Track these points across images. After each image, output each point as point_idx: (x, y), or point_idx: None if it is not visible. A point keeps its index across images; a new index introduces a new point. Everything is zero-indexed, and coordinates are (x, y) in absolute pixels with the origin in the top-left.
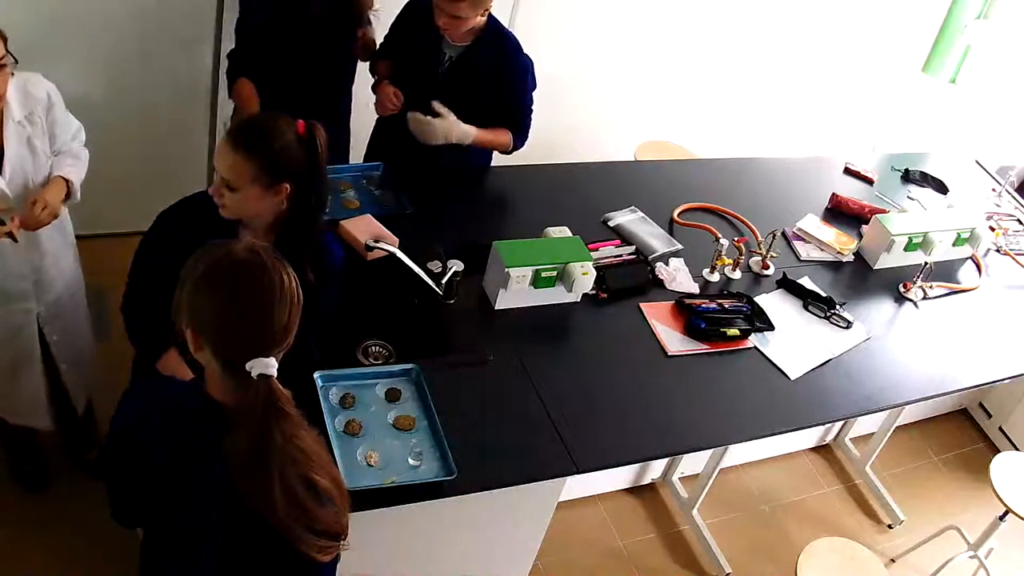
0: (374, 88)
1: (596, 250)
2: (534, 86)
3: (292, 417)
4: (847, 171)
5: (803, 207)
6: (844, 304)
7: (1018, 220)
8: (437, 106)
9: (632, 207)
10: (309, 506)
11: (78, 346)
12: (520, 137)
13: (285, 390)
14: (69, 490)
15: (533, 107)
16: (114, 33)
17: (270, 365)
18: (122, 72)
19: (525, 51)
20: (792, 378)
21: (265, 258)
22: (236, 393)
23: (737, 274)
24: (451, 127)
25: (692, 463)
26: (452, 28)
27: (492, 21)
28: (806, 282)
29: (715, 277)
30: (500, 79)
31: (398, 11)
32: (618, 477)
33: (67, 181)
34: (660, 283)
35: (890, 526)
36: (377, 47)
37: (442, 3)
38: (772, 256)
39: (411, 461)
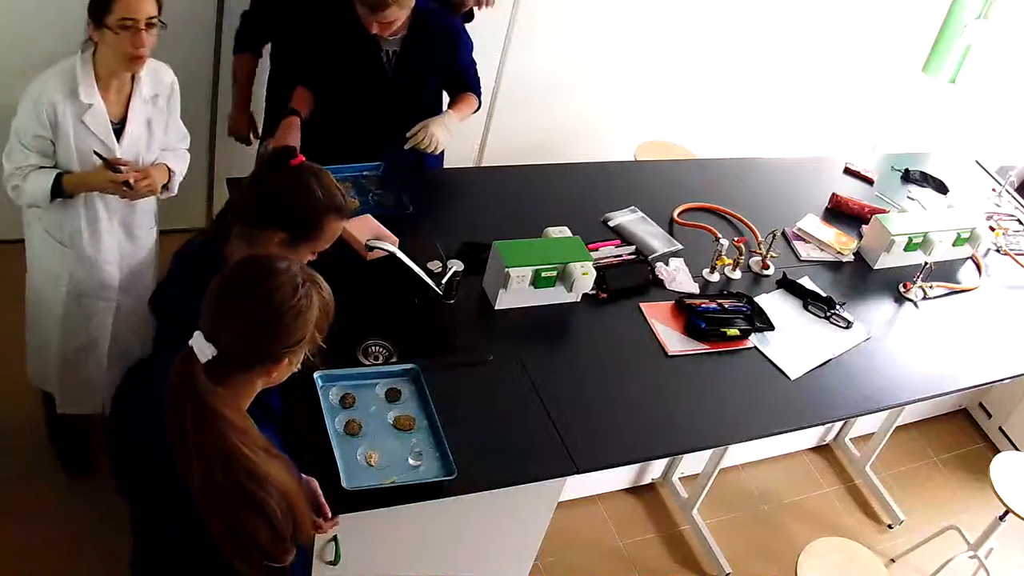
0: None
1: (596, 250)
2: (471, 43)
3: (215, 412)
4: (847, 171)
5: (803, 207)
6: (844, 304)
7: (1018, 220)
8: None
9: (632, 207)
10: (236, 512)
11: (136, 348)
12: (479, 93)
13: (218, 387)
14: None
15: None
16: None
17: (203, 347)
18: None
19: (461, 24)
20: (792, 378)
21: (287, 272)
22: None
23: (737, 274)
24: (443, 121)
25: (692, 463)
26: (387, 30)
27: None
28: (806, 282)
29: (715, 277)
30: (443, 53)
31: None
32: (618, 477)
33: (171, 171)
34: (660, 283)
35: (890, 526)
36: None
37: (370, 18)
38: (772, 256)
39: (411, 461)
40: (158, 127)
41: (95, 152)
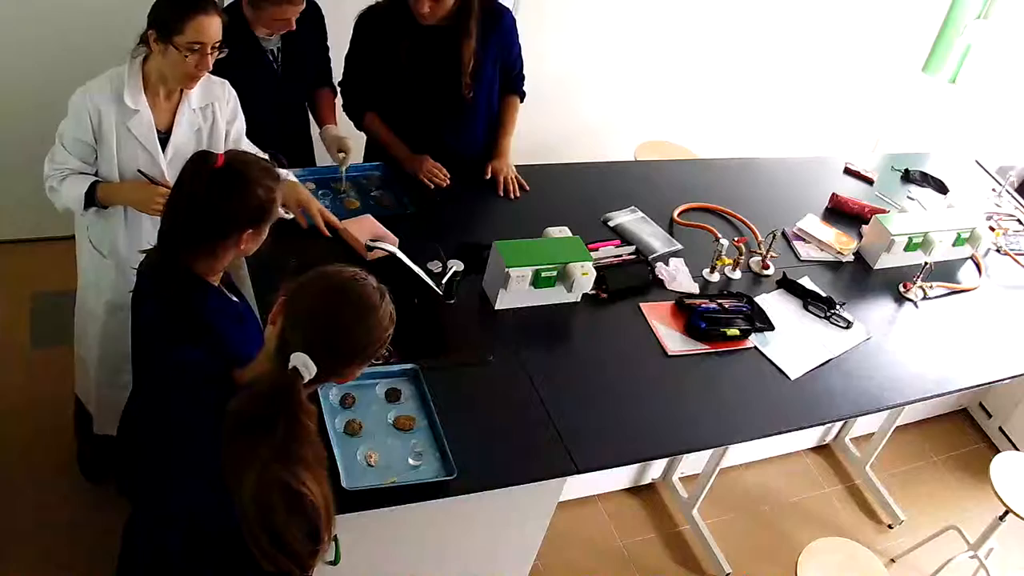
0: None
1: (596, 250)
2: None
3: (303, 425)
4: (847, 171)
5: (803, 207)
6: (844, 304)
7: (1018, 220)
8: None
9: (632, 207)
10: (278, 510)
11: None
12: (331, 81)
13: (311, 405)
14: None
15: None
16: (114, 37)
17: (306, 366)
18: None
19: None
20: (792, 378)
21: (384, 299)
22: (268, 374)
23: (737, 274)
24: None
25: (692, 463)
26: (287, 26)
27: None
28: (806, 282)
29: (715, 277)
30: (315, 38)
31: None
32: (618, 477)
33: None
34: (660, 283)
35: (890, 526)
36: None
37: (281, 12)
38: (772, 256)
39: (411, 461)
40: (208, 137)
41: (139, 171)
